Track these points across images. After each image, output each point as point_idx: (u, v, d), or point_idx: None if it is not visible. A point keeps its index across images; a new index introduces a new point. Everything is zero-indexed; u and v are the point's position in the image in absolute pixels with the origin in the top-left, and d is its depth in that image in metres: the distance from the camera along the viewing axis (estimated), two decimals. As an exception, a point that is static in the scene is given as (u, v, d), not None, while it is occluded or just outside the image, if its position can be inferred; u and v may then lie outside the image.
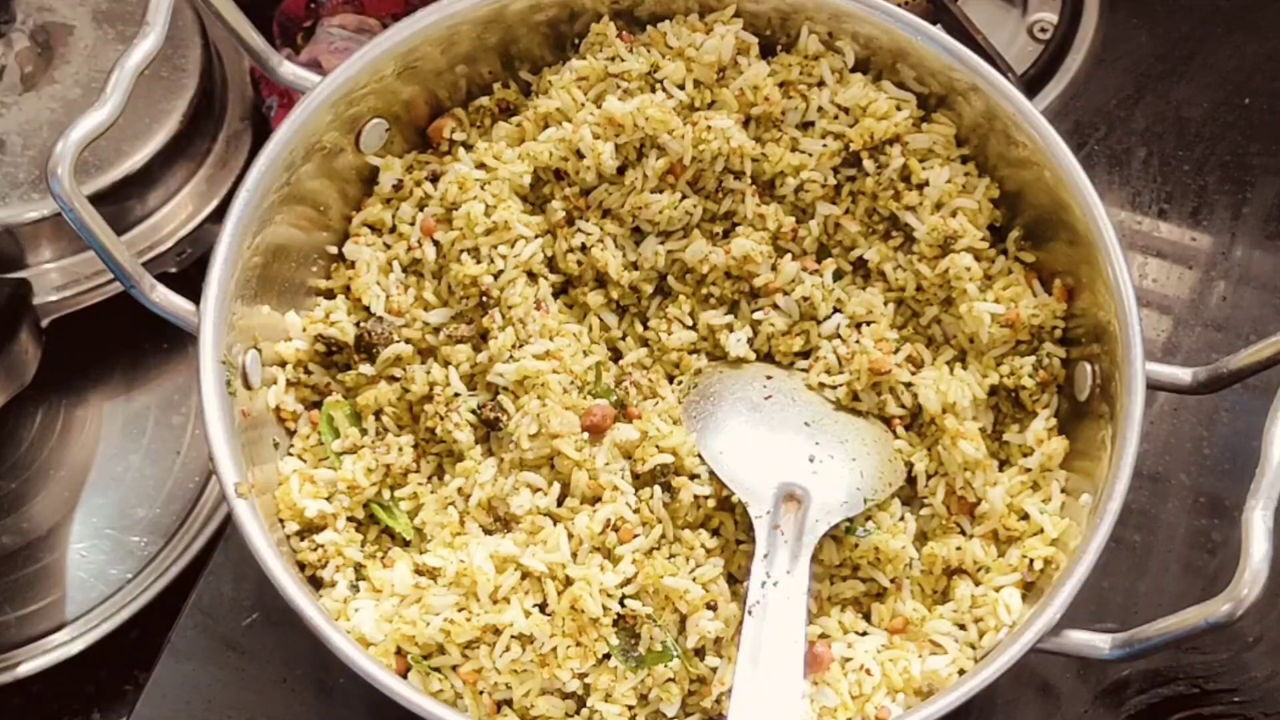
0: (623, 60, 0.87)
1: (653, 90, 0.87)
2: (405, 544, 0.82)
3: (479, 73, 0.89)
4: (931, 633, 0.77)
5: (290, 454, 0.83)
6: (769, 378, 0.85)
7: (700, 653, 0.76)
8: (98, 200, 0.86)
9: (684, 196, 0.87)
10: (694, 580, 0.77)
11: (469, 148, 0.88)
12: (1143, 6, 1.14)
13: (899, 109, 0.86)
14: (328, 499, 0.80)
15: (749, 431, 0.82)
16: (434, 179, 0.88)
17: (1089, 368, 0.81)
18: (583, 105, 0.86)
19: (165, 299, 0.78)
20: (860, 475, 0.81)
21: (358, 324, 0.85)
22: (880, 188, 0.86)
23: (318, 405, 0.84)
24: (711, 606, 0.77)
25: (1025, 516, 0.79)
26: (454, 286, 0.85)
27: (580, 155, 0.86)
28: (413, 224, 0.87)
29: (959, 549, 0.79)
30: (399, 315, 0.85)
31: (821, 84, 0.87)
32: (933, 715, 0.71)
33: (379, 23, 1.06)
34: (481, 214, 0.84)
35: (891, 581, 0.80)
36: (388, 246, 0.87)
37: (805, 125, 0.88)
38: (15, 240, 0.94)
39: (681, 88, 0.87)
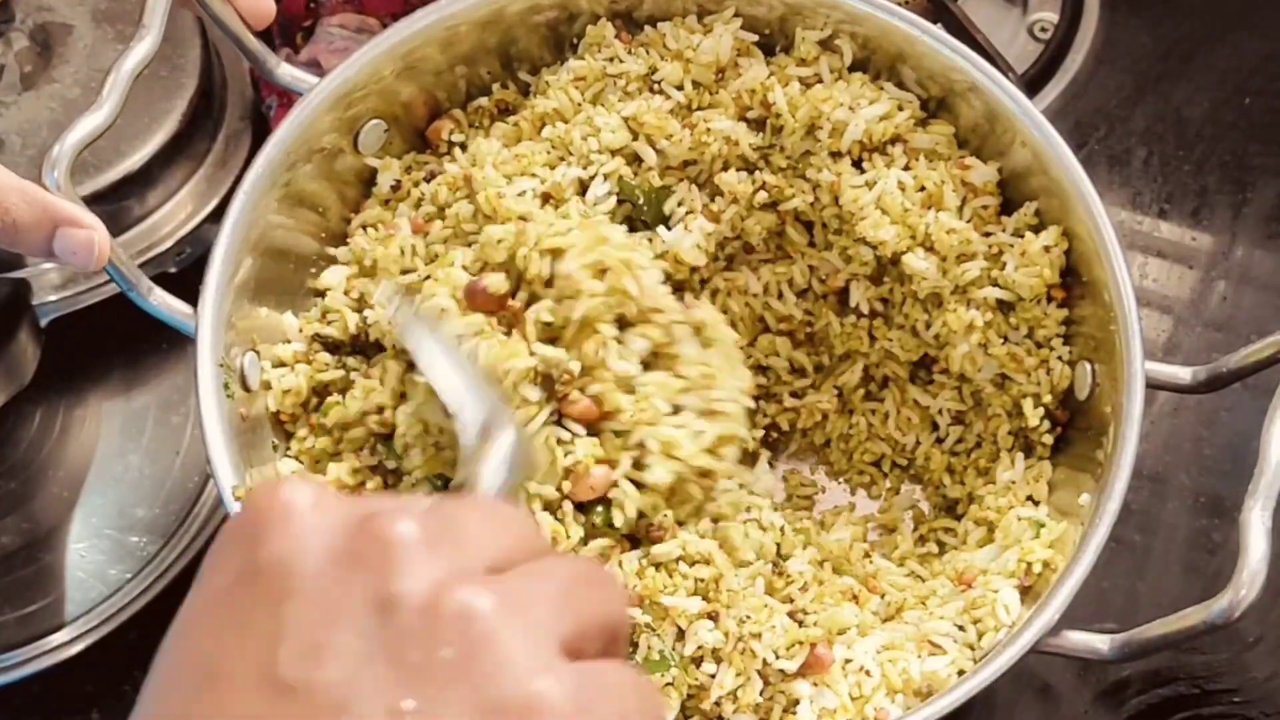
0: (621, 61, 0.87)
1: (651, 92, 0.87)
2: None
3: (478, 73, 0.89)
4: (931, 633, 0.77)
5: (289, 456, 0.82)
6: None
7: (698, 661, 0.76)
8: (96, 200, 0.86)
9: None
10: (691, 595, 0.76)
11: (466, 149, 0.88)
12: (1143, 6, 1.14)
13: (900, 109, 0.85)
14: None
15: None
16: (431, 179, 0.88)
17: (1089, 367, 0.81)
18: (580, 106, 0.86)
19: (163, 301, 0.78)
20: None
21: (358, 320, 0.84)
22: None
23: (317, 408, 0.84)
24: (712, 617, 0.76)
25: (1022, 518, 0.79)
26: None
27: None
28: (411, 225, 0.87)
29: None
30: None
31: (820, 83, 0.87)
32: (932, 716, 0.71)
33: (379, 22, 1.06)
34: (470, 215, 0.84)
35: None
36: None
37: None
38: (14, 240, 0.94)
39: (680, 89, 0.86)
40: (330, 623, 0.38)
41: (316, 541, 0.39)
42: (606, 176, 0.84)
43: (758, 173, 0.86)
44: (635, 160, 0.85)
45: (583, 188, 0.85)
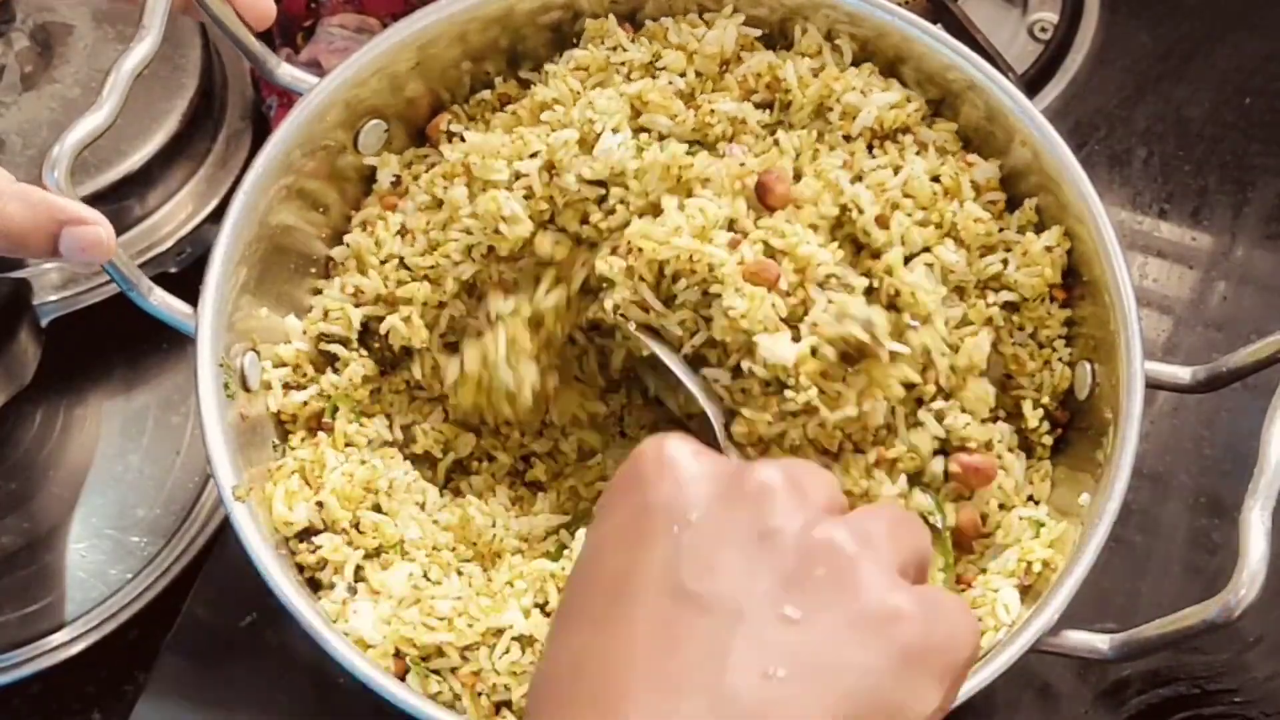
0: (624, 50, 0.86)
1: (654, 79, 0.86)
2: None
3: (482, 71, 0.89)
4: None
5: (289, 455, 0.82)
6: None
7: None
8: (97, 200, 0.86)
9: None
10: None
11: (464, 139, 0.88)
12: (1143, 6, 1.14)
13: (909, 101, 0.85)
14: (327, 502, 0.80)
15: None
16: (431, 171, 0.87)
17: (1089, 367, 0.81)
18: (580, 94, 0.85)
19: (163, 301, 0.78)
20: None
21: (360, 315, 0.84)
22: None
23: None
24: None
25: (1022, 517, 0.79)
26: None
27: None
28: (413, 220, 0.87)
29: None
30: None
31: (826, 68, 0.86)
32: (932, 716, 0.71)
33: (379, 22, 1.06)
34: (465, 199, 0.83)
35: None
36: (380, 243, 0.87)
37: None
38: (15, 240, 0.93)
39: (683, 76, 0.85)
40: (720, 547, 0.47)
41: (700, 487, 0.48)
42: (615, 130, 0.82)
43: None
44: (638, 134, 0.84)
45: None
